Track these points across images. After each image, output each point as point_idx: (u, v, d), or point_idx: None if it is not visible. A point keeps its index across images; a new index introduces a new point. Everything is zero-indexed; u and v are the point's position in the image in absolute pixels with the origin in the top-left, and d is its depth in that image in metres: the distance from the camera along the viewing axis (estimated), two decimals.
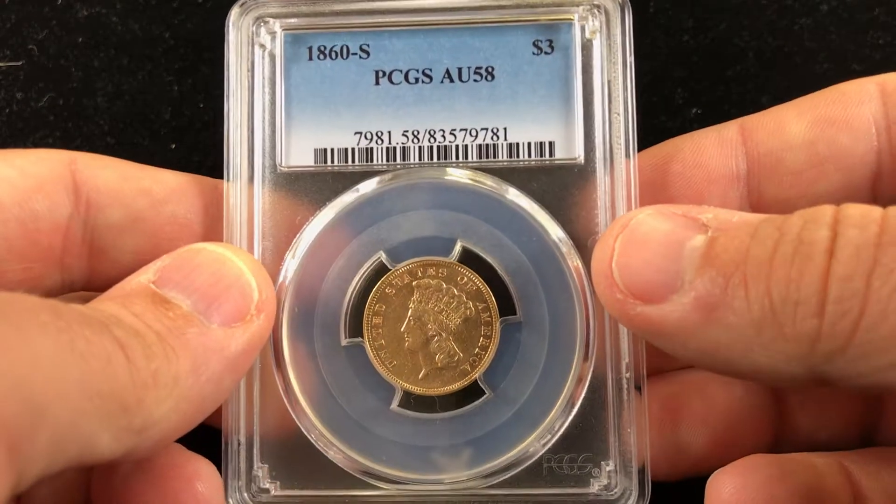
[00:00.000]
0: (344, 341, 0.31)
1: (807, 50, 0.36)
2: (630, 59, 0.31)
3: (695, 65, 0.34)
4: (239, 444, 0.31)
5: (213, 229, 0.31)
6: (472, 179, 0.31)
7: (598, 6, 0.31)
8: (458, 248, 0.31)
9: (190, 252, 0.28)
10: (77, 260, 0.31)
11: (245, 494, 0.30)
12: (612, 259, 0.27)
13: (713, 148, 0.31)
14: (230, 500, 0.30)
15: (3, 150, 0.30)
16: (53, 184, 0.30)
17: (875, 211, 0.23)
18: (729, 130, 0.31)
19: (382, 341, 0.31)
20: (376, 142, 0.32)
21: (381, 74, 0.32)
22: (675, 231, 0.26)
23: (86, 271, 0.31)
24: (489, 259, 0.31)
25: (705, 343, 0.25)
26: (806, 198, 0.30)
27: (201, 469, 0.28)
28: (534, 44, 0.32)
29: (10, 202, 0.29)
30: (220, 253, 0.28)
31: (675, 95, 0.35)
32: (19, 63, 0.36)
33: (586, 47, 0.31)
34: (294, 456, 0.31)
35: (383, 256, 0.31)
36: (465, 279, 0.31)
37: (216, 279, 0.27)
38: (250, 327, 0.27)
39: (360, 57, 0.32)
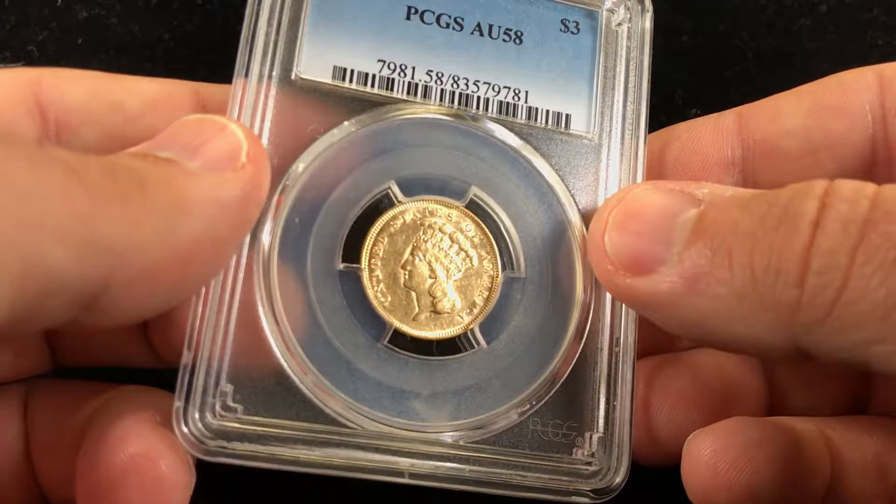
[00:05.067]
0: (339, 265, 0.29)
1: (806, 50, 0.36)
2: (649, 53, 0.33)
3: (694, 65, 0.34)
4: (201, 360, 0.27)
5: None
6: (494, 131, 0.31)
7: (626, 2, 0.32)
8: (470, 194, 0.30)
9: (172, 124, 0.26)
10: None
11: (197, 415, 0.26)
12: (604, 231, 0.27)
13: (709, 135, 0.32)
14: (182, 426, 0.26)
15: None
16: (14, 109, 0.27)
17: (868, 187, 0.23)
18: (726, 118, 0.32)
19: (379, 273, 0.29)
20: (399, 74, 0.30)
21: (413, 11, 0.31)
22: (670, 205, 0.26)
23: None
24: (500, 212, 0.30)
25: (691, 313, 0.25)
26: None
27: (163, 450, 0.25)
28: (562, 22, 0.32)
29: None
30: (201, 115, 0.26)
31: (675, 96, 0.36)
32: (19, 64, 0.34)
33: (611, 35, 0.32)
34: (264, 381, 0.27)
35: (393, 187, 0.30)
36: (473, 227, 0.30)
37: (198, 131, 0.25)
38: (243, 175, 0.25)
39: None
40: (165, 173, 0.23)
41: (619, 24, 0.33)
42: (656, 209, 0.26)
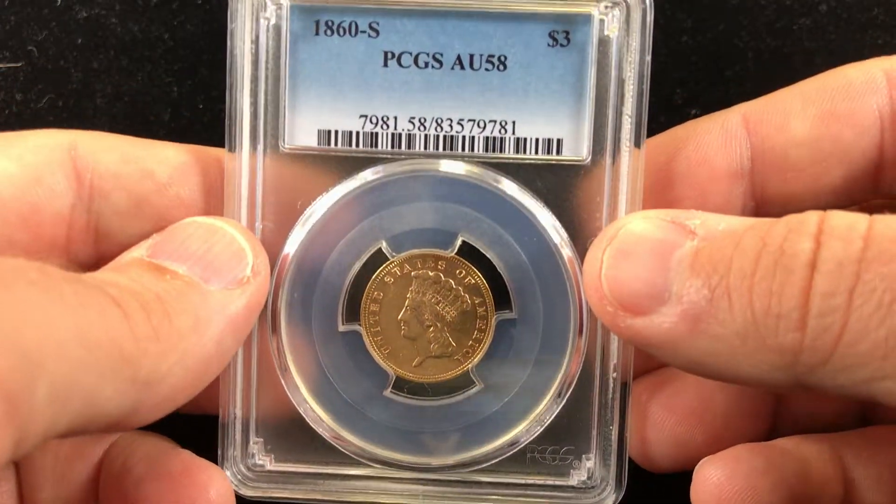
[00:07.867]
0: (341, 327, 0.32)
1: (806, 50, 0.35)
2: (647, 58, 0.30)
3: (694, 65, 0.34)
4: (235, 418, 0.32)
5: (216, 207, 0.31)
6: (476, 175, 0.31)
7: (619, 2, 0.30)
8: (458, 242, 0.31)
9: (180, 225, 0.29)
10: (83, 247, 0.31)
11: (241, 465, 0.32)
12: (601, 271, 0.27)
13: (717, 143, 0.31)
14: (227, 472, 0.32)
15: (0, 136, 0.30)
16: (53, 173, 0.29)
17: (861, 223, 0.23)
18: (731, 122, 0.31)
19: (379, 328, 0.32)
20: (382, 127, 0.31)
21: (390, 56, 0.31)
22: (664, 240, 0.26)
23: (93, 257, 0.31)
24: (488, 255, 0.31)
25: (693, 353, 0.26)
26: (808, 193, 0.30)
27: (214, 476, 0.29)
28: (550, 35, 0.31)
29: (9, 196, 0.28)
30: (210, 223, 0.29)
31: (674, 96, 0.35)
32: (19, 64, 0.36)
33: (603, 43, 0.30)
34: (289, 432, 0.32)
35: (384, 245, 0.31)
36: (464, 273, 0.31)
37: (209, 246, 0.28)
38: (248, 289, 0.28)
39: (370, 36, 0.31)
40: (183, 296, 0.26)
41: (613, 29, 0.30)
42: (650, 246, 0.27)
